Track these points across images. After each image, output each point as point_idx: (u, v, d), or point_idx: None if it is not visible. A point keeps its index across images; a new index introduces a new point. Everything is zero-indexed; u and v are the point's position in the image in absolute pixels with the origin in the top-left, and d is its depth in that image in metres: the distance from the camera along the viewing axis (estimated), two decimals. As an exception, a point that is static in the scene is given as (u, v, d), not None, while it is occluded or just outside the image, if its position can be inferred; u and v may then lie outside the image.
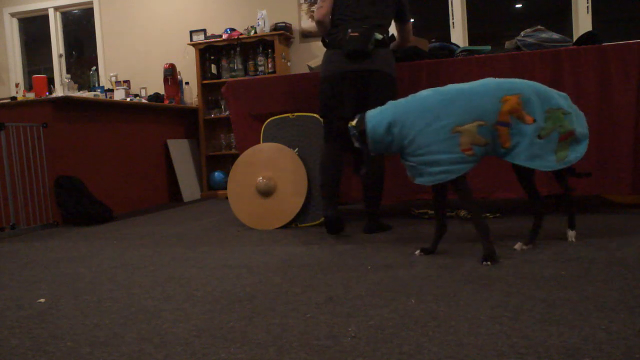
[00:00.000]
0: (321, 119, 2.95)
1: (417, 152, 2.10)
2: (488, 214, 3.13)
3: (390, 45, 2.86)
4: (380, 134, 2.15)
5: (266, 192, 3.12)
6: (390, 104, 2.22)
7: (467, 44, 5.15)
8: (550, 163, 2.08)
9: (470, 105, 2.07)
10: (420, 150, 2.09)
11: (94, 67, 6.04)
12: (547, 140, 2.07)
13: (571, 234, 2.36)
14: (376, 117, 2.18)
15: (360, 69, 2.73)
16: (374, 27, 2.76)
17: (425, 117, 2.09)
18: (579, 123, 2.13)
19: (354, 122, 2.23)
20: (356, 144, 2.22)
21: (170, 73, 5.47)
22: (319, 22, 2.89)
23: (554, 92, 2.14)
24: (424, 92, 2.19)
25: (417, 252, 2.27)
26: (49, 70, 6.41)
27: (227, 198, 5.15)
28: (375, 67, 2.73)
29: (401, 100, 2.20)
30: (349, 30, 2.73)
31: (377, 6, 2.83)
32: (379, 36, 2.74)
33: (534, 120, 2.06)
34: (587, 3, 4.78)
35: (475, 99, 2.08)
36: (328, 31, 2.89)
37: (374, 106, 2.64)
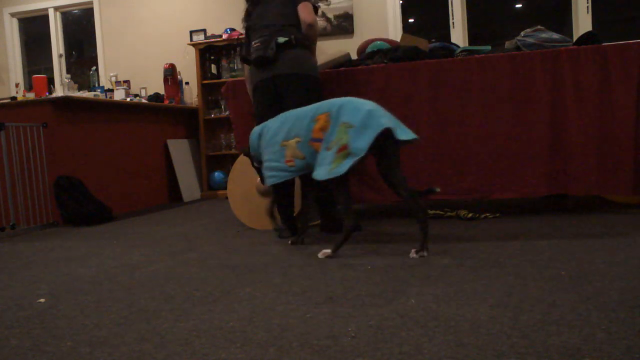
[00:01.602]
0: None
1: (264, 158, 2.55)
2: (488, 214, 3.13)
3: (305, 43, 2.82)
4: (254, 144, 2.63)
5: (266, 192, 3.13)
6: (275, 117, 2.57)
7: (467, 44, 5.15)
8: (324, 172, 2.24)
9: (293, 125, 2.43)
10: (264, 157, 2.54)
11: (94, 67, 6.05)
12: (330, 152, 2.25)
13: (415, 252, 2.22)
14: (257, 130, 2.62)
15: (268, 76, 2.75)
16: (277, 31, 2.77)
17: (273, 132, 2.51)
18: (358, 138, 2.18)
19: None
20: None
21: (170, 73, 5.47)
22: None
23: (353, 107, 2.25)
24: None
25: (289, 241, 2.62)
26: (49, 70, 6.41)
27: (227, 198, 5.16)
28: (282, 70, 2.72)
29: (278, 115, 2.58)
30: (253, 42, 2.81)
31: (280, 9, 2.84)
32: (282, 39, 2.74)
33: (329, 132, 2.29)
34: (587, 3, 4.78)
35: (298, 119, 2.42)
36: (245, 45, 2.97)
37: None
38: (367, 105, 2.23)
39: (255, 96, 2.86)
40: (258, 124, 2.86)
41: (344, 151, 2.19)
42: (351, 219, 2.30)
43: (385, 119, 2.18)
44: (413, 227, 2.94)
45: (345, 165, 2.17)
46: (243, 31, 3.03)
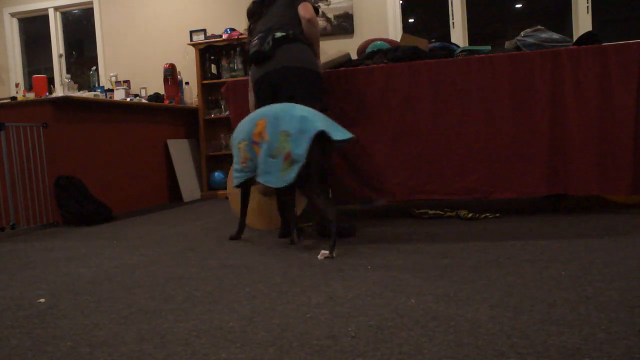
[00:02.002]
0: None
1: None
2: (488, 214, 3.13)
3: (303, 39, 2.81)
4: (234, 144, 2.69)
5: (267, 192, 3.13)
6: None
7: (467, 44, 5.15)
8: (275, 180, 2.38)
9: (245, 128, 2.56)
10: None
11: (94, 67, 6.04)
12: (277, 159, 2.38)
13: (323, 253, 2.29)
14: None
15: (266, 71, 2.72)
16: (276, 29, 2.76)
17: (235, 134, 2.66)
18: (297, 144, 2.29)
19: None
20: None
21: (170, 73, 5.47)
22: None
23: (289, 115, 2.38)
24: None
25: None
26: (49, 70, 6.41)
27: (227, 198, 5.15)
28: (279, 65, 2.69)
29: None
30: (252, 40, 2.83)
31: (279, 10, 2.85)
32: (279, 34, 2.72)
33: (269, 140, 2.41)
34: (587, 3, 4.78)
35: (247, 123, 2.57)
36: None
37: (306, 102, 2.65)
38: (301, 111, 2.35)
39: (256, 94, 2.84)
40: None
41: (289, 159, 2.34)
42: (333, 218, 2.32)
43: (319, 123, 2.29)
44: (413, 227, 2.94)
45: (293, 173, 2.32)
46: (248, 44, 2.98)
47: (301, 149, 2.28)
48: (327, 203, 2.36)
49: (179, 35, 5.82)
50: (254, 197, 3.17)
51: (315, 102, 2.71)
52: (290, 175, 2.32)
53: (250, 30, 2.99)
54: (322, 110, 2.74)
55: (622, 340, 1.25)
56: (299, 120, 2.31)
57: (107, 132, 4.44)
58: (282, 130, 2.37)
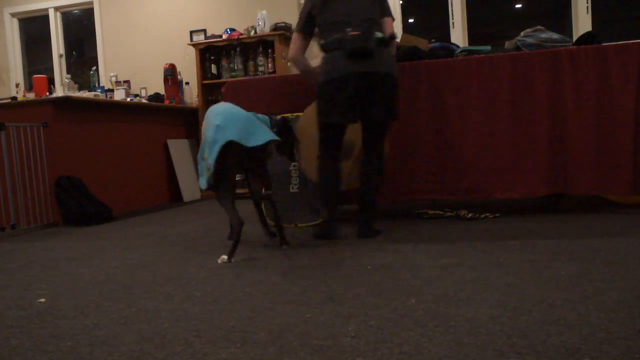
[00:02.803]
0: (318, 125, 2.78)
1: None
2: (488, 214, 3.13)
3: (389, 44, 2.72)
4: None
5: (346, 151, 2.94)
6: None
7: (467, 44, 5.15)
8: (203, 182, 2.44)
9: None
10: None
11: (94, 67, 6.04)
12: (202, 164, 2.45)
13: (222, 258, 2.35)
14: None
15: (365, 71, 2.55)
16: (374, 25, 2.62)
17: None
18: (210, 152, 2.34)
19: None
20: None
21: (171, 73, 5.47)
22: (291, 60, 2.87)
23: (209, 121, 2.40)
24: None
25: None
26: (49, 70, 6.41)
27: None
28: (379, 69, 2.57)
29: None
30: (348, 29, 2.56)
31: (367, 6, 2.68)
32: (379, 34, 2.60)
33: (202, 142, 2.48)
34: (587, 3, 4.78)
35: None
36: (321, 35, 2.73)
37: (377, 110, 2.60)
38: (218, 120, 2.37)
39: (332, 87, 2.60)
40: (327, 119, 2.67)
41: (206, 165, 2.41)
42: (234, 224, 2.36)
43: (230, 132, 2.31)
44: (413, 226, 2.94)
45: (208, 178, 2.38)
46: (303, 26, 2.80)
47: (212, 158, 2.32)
48: (230, 210, 2.37)
49: (179, 35, 5.82)
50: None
51: (393, 117, 2.68)
52: (210, 179, 2.38)
53: (319, 5, 2.72)
54: (394, 119, 2.71)
55: (622, 340, 1.25)
56: (214, 130, 2.34)
57: (107, 132, 4.44)
58: (206, 136, 2.43)
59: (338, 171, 2.76)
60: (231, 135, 2.29)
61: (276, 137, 2.39)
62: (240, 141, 2.29)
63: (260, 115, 2.78)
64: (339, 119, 2.66)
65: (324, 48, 2.72)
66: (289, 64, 2.68)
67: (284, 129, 2.74)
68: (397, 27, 5.21)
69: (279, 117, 2.74)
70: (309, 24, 2.79)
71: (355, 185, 2.99)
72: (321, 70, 2.72)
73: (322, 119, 2.72)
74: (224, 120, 2.34)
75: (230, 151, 2.32)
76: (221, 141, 2.29)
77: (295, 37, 2.85)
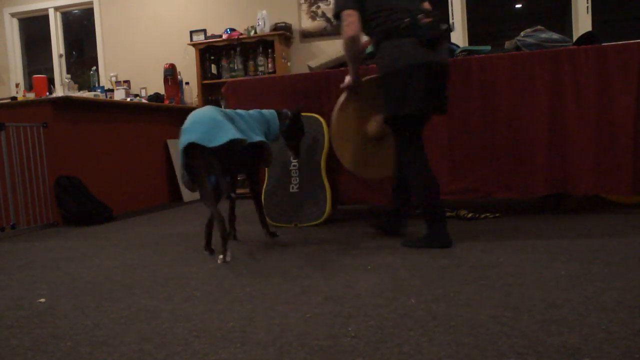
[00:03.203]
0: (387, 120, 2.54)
1: None
2: (488, 214, 3.13)
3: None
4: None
5: (378, 136, 2.89)
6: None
7: (467, 44, 5.15)
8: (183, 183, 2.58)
9: None
10: None
11: (94, 67, 6.04)
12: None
13: (220, 258, 2.38)
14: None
15: (435, 60, 2.40)
16: (435, 15, 2.47)
17: None
18: (179, 155, 2.45)
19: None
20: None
21: (171, 73, 5.47)
22: (352, 39, 2.49)
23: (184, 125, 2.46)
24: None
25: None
26: (49, 70, 6.41)
27: (226, 198, 5.15)
28: (444, 59, 2.47)
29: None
30: (420, 15, 2.41)
31: None
32: (444, 26, 2.46)
33: None
34: (587, 3, 4.78)
35: None
36: (368, 20, 2.51)
37: (442, 102, 2.49)
38: (186, 123, 2.43)
39: (403, 76, 2.40)
40: (406, 111, 2.42)
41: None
42: (220, 228, 2.37)
43: (194, 134, 2.35)
44: (413, 226, 2.94)
45: (184, 179, 2.49)
46: (354, 2, 2.49)
47: (181, 160, 2.43)
48: (213, 211, 2.39)
49: (179, 35, 5.82)
50: (365, 147, 2.96)
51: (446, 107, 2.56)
52: (181, 181, 2.56)
53: None
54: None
55: (622, 340, 1.25)
56: (181, 133, 2.43)
57: (107, 132, 4.44)
58: None
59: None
60: (193, 137, 2.35)
61: (239, 136, 2.36)
62: (202, 142, 2.33)
63: (265, 111, 2.80)
64: (412, 110, 2.42)
65: (386, 33, 2.46)
66: (348, 42, 2.52)
67: (293, 124, 2.79)
68: (397, 27, 5.20)
69: (290, 111, 2.82)
70: (358, 2, 2.51)
71: (375, 176, 3.00)
72: (384, 59, 2.46)
73: (393, 111, 2.47)
74: (189, 124, 2.41)
75: (193, 153, 2.38)
76: (184, 143, 2.38)
77: (350, 13, 2.48)
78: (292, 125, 2.84)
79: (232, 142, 2.38)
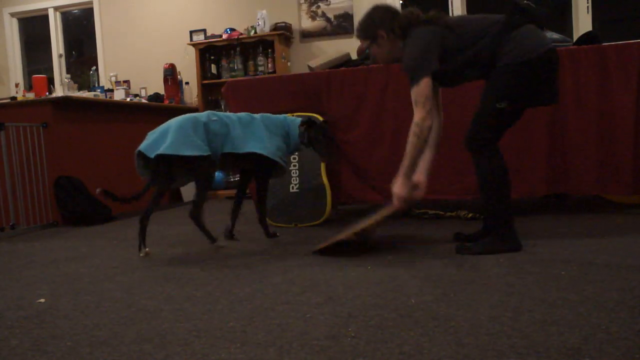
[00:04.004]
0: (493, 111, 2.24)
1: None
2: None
3: None
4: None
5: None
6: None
7: (467, 44, 5.14)
8: None
9: None
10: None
11: (94, 67, 6.04)
12: None
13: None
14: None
15: (551, 46, 2.17)
16: None
17: None
18: None
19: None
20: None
21: (170, 73, 5.47)
22: (429, 128, 2.26)
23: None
24: None
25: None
26: (49, 70, 6.40)
27: (227, 198, 5.15)
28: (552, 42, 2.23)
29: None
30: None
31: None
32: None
33: None
34: (587, 3, 4.78)
35: None
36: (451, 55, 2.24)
37: (555, 91, 2.26)
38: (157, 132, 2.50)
39: (532, 68, 2.14)
40: (525, 103, 2.23)
41: None
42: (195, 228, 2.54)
43: (143, 144, 2.47)
44: (413, 226, 2.94)
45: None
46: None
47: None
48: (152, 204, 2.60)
49: (179, 35, 5.82)
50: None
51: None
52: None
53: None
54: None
55: (622, 340, 1.25)
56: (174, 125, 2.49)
57: (107, 132, 4.44)
58: None
59: None
60: (141, 147, 2.47)
61: (167, 152, 2.38)
62: (145, 151, 2.44)
63: (289, 119, 2.75)
64: (542, 101, 2.23)
65: (505, 26, 2.17)
66: (422, 131, 2.22)
67: (317, 133, 2.71)
68: (397, 27, 5.21)
69: (302, 119, 2.76)
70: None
71: None
72: (523, 45, 2.15)
73: (514, 105, 2.22)
74: (160, 133, 2.46)
75: (141, 161, 2.53)
76: (136, 151, 2.49)
77: (427, 83, 2.22)
78: (313, 136, 2.73)
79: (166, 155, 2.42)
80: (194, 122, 2.46)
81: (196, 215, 2.53)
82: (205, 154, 2.42)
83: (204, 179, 2.50)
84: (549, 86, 2.20)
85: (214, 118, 2.53)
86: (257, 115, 2.67)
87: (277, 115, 2.77)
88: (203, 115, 2.52)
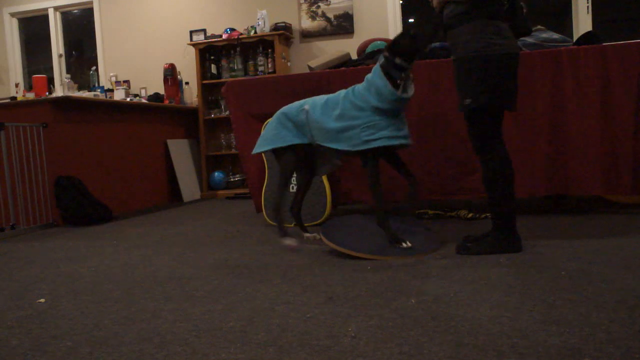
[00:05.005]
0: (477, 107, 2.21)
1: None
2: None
3: None
4: None
5: None
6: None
7: (467, 44, 5.14)
8: None
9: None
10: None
11: (93, 67, 6.04)
12: None
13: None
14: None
15: (519, 49, 2.25)
16: None
17: None
18: None
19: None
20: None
21: (170, 73, 5.47)
22: None
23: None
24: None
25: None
26: (49, 70, 6.40)
27: (227, 198, 5.15)
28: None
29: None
30: (522, 4, 2.25)
31: None
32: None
33: None
34: (587, 3, 4.78)
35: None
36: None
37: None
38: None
39: (515, 65, 2.20)
40: (500, 102, 2.20)
41: None
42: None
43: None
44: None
45: None
46: None
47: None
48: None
49: (179, 35, 5.82)
50: None
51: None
52: None
53: None
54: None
55: (622, 340, 1.25)
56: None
57: (107, 132, 4.44)
58: None
59: None
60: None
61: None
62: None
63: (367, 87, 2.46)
64: (509, 103, 2.23)
65: (486, 12, 2.17)
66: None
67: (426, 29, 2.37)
68: (397, 27, 5.21)
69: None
70: None
71: None
72: (490, 42, 2.14)
73: (492, 101, 2.19)
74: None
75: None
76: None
77: None
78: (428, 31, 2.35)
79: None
80: (292, 118, 2.70)
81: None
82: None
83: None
84: (514, 89, 2.22)
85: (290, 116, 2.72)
86: (320, 101, 2.57)
87: (361, 85, 2.47)
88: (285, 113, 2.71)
